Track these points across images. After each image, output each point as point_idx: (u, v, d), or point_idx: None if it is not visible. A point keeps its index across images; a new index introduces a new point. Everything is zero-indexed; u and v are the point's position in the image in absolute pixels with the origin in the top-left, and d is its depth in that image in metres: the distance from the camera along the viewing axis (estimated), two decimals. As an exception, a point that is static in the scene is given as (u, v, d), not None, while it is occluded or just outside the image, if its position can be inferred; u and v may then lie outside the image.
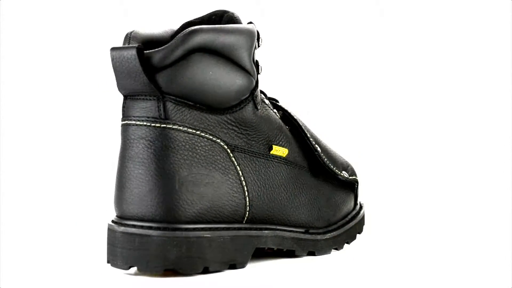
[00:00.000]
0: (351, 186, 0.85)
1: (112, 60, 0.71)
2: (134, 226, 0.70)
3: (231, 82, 0.73)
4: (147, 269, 0.70)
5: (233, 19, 0.76)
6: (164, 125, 0.71)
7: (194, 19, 0.78)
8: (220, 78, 0.73)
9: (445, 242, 0.86)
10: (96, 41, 1.16)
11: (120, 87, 0.72)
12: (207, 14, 0.78)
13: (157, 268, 0.70)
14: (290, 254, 0.79)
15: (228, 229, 0.73)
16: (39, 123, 1.18)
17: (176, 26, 0.77)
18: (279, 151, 0.77)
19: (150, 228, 0.70)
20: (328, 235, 0.81)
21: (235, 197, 0.73)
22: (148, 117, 0.71)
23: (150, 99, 0.71)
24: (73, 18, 1.20)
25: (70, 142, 1.17)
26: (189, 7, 1.16)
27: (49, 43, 1.20)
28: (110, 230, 0.72)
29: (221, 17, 0.77)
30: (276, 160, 0.77)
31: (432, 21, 1.17)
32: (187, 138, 0.71)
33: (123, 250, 0.70)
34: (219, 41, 0.72)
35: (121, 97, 0.73)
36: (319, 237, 0.80)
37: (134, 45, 0.70)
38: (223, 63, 0.73)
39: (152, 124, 0.71)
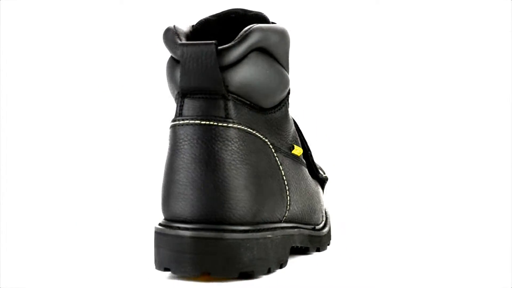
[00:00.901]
0: (322, 184, 0.88)
1: (182, 56, 0.68)
2: (205, 229, 0.67)
3: (280, 82, 0.74)
4: (222, 274, 0.68)
5: (266, 19, 0.76)
6: (231, 125, 0.69)
7: (210, 16, 0.77)
8: (272, 78, 0.72)
9: (445, 242, 0.87)
10: (96, 41, 1.17)
11: (184, 84, 0.69)
12: (223, 12, 0.77)
13: (232, 272, 0.68)
14: (303, 251, 0.80)
15: (276, 228, 0.73)
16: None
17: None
18: (297, 150, 0.78)
19: (223, 231, 0.68)
20: (324, 231, 0.84)
21: (282, 196, 0.74)
22: (215, 117, 0.69)
23: (215, 98, 0.69)
24: (73, 18, 1.19)
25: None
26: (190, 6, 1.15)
27: (50, 43, 1.18)
28: (173, 236, 0.68)
29: (244, 16, 0.76)
30: (296, 159, 0.78)
31: (432, 21, 1.18)
32: (247, 138, 0.70)
33: (194, 256, 0.67)
34: (271, 41, 0.72)
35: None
36: (321, 233, 0.83)
37: (212, 41, 0.68)
38: (273, 62, 0.73)
39: (219, 124, 0.69)
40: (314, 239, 0.81)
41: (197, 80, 0.68)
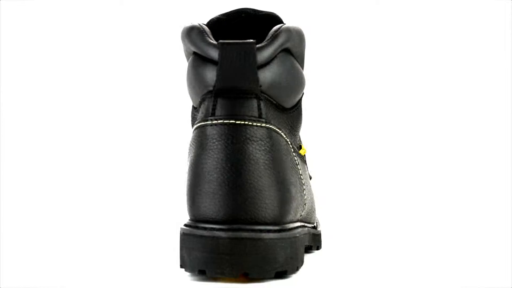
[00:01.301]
0: None
1: (222, 55, 0.68)
2: (242, 230, 0.67)
3: (300, 82, 0.74)
4: (260, 274, 0.68)
5: (278, 19, 0.76)
6: (264, 125, 0.69)
7: (221, 16, 0.77)
8: (295, 78, 0.73)
9: (445, 242, 0.88)
10: (96, 41, 1.18)
11: (221, 83, 0.68)
12: (233, 11, 0.77)
13: (269, 272, 0.68)
14: (306, 249, 0.81)
15: (298, 227, 0.73)
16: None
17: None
18: (303, 150, 0.80)
19: (260, 231, 0.68)
20: (319, 229, 0.85)
21: (301, 195, 0.74)
22: (249, 116, 0.69)
23: (249, 97, 0.69)
24: (73, 18, 1.19)
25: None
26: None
27: (50, 43, 1.19)
28: (209, 238, 0.67)
29: (255, 15, 0.77)
30: (302, 159, 0.79)
31: (431, 21, 1.18)
32: (276, 138, 0.70)
33: (233, 257, 0.67)
34: (295, 41, 0.73)
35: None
36: (319, 231, 0.84)
37: (251, 40, 0.68)
38: (295, 63, 0.73)
39: (254, 124, 0.69)
40: (316, 237, 0.83)
41: (235, 79, 0.68)
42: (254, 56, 0.68)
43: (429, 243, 0.88)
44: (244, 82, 0.68)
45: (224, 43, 0.68)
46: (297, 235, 0.71)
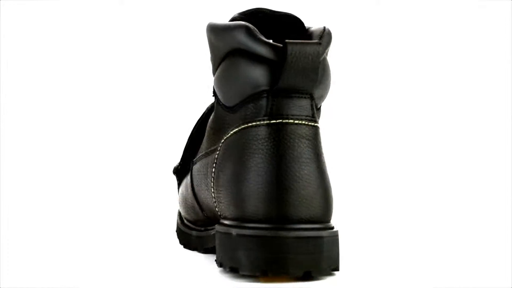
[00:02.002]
0: None
1: (290, 54, 0.67)
2: (305, 229, 0.67)
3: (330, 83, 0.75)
4: (322, 272, 0.68)
5: (299, 20, 0.76)
6: (317, 124, 0.70)
7: (238, 14, 0.76)
8: (330, 79, 0.73)
9: (444, 242, 0.88)
10: (96, 41, 1.17)
11: (285, 83, 0.68)
12: (249, 11, 0.77)
13: (327, 270, 0.68)
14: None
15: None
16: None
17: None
18: None
19: (319, 229, 0.68)
20: None
21: None
22: (306, 116, 0.69)
23: (305, 97, 0.69)
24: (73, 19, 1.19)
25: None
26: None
27: (51, 43, 1.19)
28: (272, 238, 0.67)
29: (273, 16, 0.76)
30: None
31: (431, 22, 1.17)
32: (320, 137, 0.71)
33: (298, 256, 0.67)
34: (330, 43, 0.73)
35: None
36: None
37: (316, 40, 0.68)
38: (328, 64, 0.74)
39: (310, 123, 0.69)
40: None
41: (298, 79, 0.68)
42: (318, 57, 0.68)
43: (429, 243, 0.87)
44: (306, 83, 0.68)
45: (291, 42, 0.67)
46: (337, 232, 0.71)
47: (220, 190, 0.71)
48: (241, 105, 0.71)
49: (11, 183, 1.12)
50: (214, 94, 0.76)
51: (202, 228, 0.81)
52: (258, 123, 0.69)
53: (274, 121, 0.68)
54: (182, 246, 0.85)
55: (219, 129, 0.74)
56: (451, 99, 1.16)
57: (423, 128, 1.17)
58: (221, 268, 0.71)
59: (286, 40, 0.67)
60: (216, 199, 0.73)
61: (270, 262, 0.67)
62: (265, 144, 0.68)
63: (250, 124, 0.69)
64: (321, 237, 0.68)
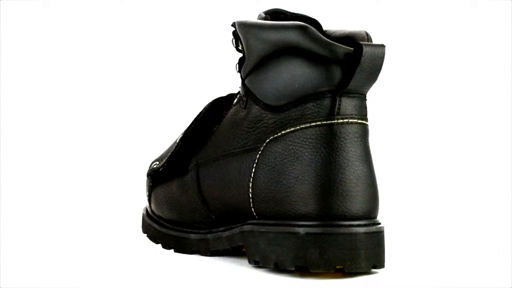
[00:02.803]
0: None
1: (364, 56, 0.68)
2: (369, 224, 0.70)
3: None
4: (381, 265, 0.71)
5: (317, 22, 0.78)
6: (368, 123, 0.72)
7: (266, 14, 0.77)
8: None
9: (444, 242, 0.88)
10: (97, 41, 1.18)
11: (355, 84, 0.69)
12: (269, 11, 0.78)
13: (383, 264, 0.71)
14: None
15: None
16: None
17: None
18: None
19: (377, 224, 0.71)
20: None
21: None
22: (363, 115, 0.71)
23: (362, 98, 0.71)
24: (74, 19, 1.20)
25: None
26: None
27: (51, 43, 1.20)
28: (347, 234, 0.68)
29: (293, 17, 0.77)
30: None
31: (431, 22, 1.16)
32: None
33: (368, 251, 0.69)
34: None
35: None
36: None
37: (381, 43, 0.70)
38: None
39: (363, 122, 0.71)
40: None
41: (367, 81, 0.70)
42: (383, 59, 0.69)
43: (428, 243, 0.88)
44: (370, 84, 0.71)
45: (366, 45, 0.69)
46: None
47: (269, 189, 0.72)
48: (295, 104, 0.71)
49: (9, 183, 1.13)
50: (246, 93, 0.76)
51: (206, 230, 0.80)
52: (324, 122, 0.70)
53: (341, 120, 0.70)
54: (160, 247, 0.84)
55: (255, 129, 0.74)
56: (450, 99, 1.17)
57: (422, 129, 1.18)
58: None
59: (361, 43, 0.69)
60: (254, 198, 0.73)
61: (346, 259, 0.68)
62: (332, 143, 0.70)
63: (314, 124, 0.70)
64: (382, 232, 0.71)
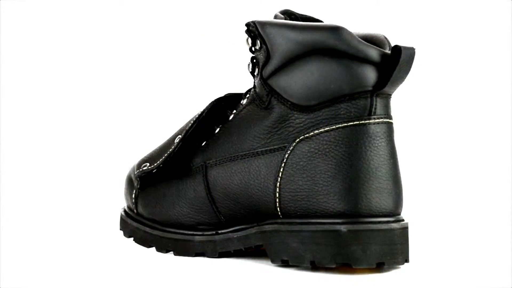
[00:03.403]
0: None
1: (403, 57, 0.71)
2: (402, 220, 0.73)
3: None
4: (408, 260, 0.73)
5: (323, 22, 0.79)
6: (392, 121, 0.74)
7: (282, 15, 0.78)
8: None
9: (444, 242, 0.88)
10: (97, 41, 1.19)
11: (392, 85, 0.72)
12: (283, 11, 0.79)
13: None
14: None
15: None
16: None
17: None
18: None
19: (403, 220, 0.73)
20: None
21: None
22: (388, 114, 0.73)
23: (386, 97, 0.73)
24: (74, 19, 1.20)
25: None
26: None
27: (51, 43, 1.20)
28: (387, 230, 0.71)
29: (300, 18, 0.79)
30: None
31: (431, 22, 1.16)
32: None
33: (402, 246, 0.72)
34: None
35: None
36: None
37: (412, 46, 0.72)
38: None
39: (391, 121, 0.74)
40: None
41: (400, 81, 0.72)
42: (413, 61, 0.72)
43: (428, 243, 0.88)
44: (400, 84, 0.73)
45: (404, 48, 0.71)
46: None
47: (301, 188, 0.72)
48: (327, 104, 0.72)
49: (9, 183, 1.13)
50: (270, 92, 0.75)
51: (212, 232, 0.79)
52: (361, 122, 0.72)
53: (376, 120, 0.72)
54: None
55: (279, 128, 0.74)
56: (451, 98, 1.18)
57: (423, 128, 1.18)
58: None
59: (400, 46, 0.71)
60: (282, 197, 0.73)
61: (386, 254, 0.71)
62: (372, 141, 0.72)
63: (351, 123, 0.72)
64: (408, 227, 0.73)
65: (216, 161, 0.79)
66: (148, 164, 0.83)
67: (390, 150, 0.72)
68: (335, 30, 0.72)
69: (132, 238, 0.84)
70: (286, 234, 0.73)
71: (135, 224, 0.84)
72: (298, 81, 0.73)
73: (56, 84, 1.21)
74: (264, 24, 0.75)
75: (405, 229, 0.72)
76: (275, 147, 0.75)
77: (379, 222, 0.71)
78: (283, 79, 0.74)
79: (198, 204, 0.80)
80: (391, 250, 0.71)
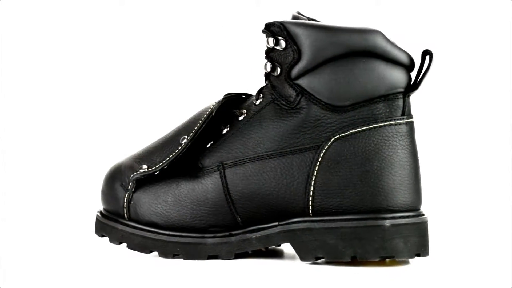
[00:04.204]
0: None
1: (430, 62, 0.76)
2: (423, 214, 0.76)
3: None
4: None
5: None
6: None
7: (299, 14, 0.80)
8: None
9: (444, 242, 0.88)
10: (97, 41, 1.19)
11: (416, 87, 0.76)
12: (296, 14, 0.81)
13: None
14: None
15: None
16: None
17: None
18: None
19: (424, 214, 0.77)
20: None
21: None
22: (411, 114, 0.77)
23: (409, 97, 0.77)
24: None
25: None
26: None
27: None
28: (421, 223, 0.75)
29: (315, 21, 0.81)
30: None
31: (431, 22, 1.16)
32: None
33: (426, 239, 0.76)
34: None
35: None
36: None
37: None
38: None
39: (413, 120, 0.77)
40: None
41: (421, 83, 0.77)
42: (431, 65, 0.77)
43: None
44: (420, 86, 0.77)
45: (431, 52, 0.76)
46: None
47: (337, 186, 0.74)
48: (363, 104, 0.75)
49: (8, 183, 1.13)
50: (300, 93, 0.76)
51: (225, 234, 0.78)
52: (398, 121, 0.75)
53: (407, 120, 0.76)
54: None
55: (310, 128, 0.76)
56: (450, 99, 1.18)
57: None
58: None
59: (428, 50, 0.76)
60: (316, 195, 0.75)
61: (421, 246, 0.75)
62: (405, 140, 0.75)
63: (388, 123, 0.75)
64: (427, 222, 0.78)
65: (235, 161, 0.78)
66: (146, 166, 0.80)
67: (414, 148, 0.77)
68: (372, 33, 0.75)
69: (125, 244, 0.80)
70: (322, 231, 0.75)
71: (128, 229, 0.80)
72: (332, 82, 0.75)
73: (52, 82, 1.20)
74: (295, 25, 0.76)
75: (427, 223, 0.77)
76: (306, 146, 0.76)
77: (413, 216, 0.75)
78: (315, 80, 0.76)
79: (213, 206, 0.78)
80: (424, 242, 0.76)
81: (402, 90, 0.76)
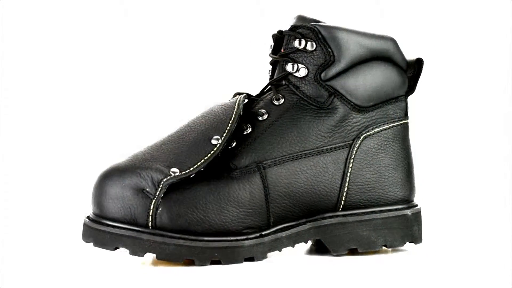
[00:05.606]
0: None
1: (420, 68, 0.85)
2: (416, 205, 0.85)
3: None
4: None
5: None
6: None
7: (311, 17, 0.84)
8: None
9: (444, 242, 0.89)
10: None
11: (414, 90, 0.85)
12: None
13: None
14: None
15: None
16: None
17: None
18: None
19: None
20: None
21: None
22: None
23: None
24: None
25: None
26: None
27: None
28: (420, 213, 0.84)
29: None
30: None
31: (431, 21, 1.16)
32: None
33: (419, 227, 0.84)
34: None
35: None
36: None
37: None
38: None
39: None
40: None
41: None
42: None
43: (428, 243, 0.88)
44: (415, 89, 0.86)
45: (422, 59, 0.84)
46: None
47: (368, 180, 0.80)
48: (379, 105, 0.82)
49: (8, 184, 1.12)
50: (333, 93, 0.79)
51: (257, 235, 0.77)
52: (404, 122, 0.83)
53: (407, 120, 0.84)
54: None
55: (340, 127, 0.80)
56: (449, 99, 1.19)
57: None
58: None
59: (421, 58, 0.84)
60: (350, 190, 0.80)
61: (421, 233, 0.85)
62: (408, 137, 0.84)
63: (398, 122, 0.83)
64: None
65: (274, 161, 0.78)
66: (177, 169, 0.75)
67: (410, 144, 0.85)
68: (389, 40, 0.82)
69: (154, 255, 0.74)
70: (355, 224, 0.80)
71: (158, 238, 0.74)
72: (363, 84, 0.81)
73: (49, 82, 1.19)
74: (329, 28, 0.79)
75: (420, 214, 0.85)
76: (338, 144, 0.80)
77: (416, 205, 0.84)
78: (349, 81, 0.80)
79: (252, 207, 0.77)
80: (421, 230, 0.85)
81: (404, 93, 0.84)
